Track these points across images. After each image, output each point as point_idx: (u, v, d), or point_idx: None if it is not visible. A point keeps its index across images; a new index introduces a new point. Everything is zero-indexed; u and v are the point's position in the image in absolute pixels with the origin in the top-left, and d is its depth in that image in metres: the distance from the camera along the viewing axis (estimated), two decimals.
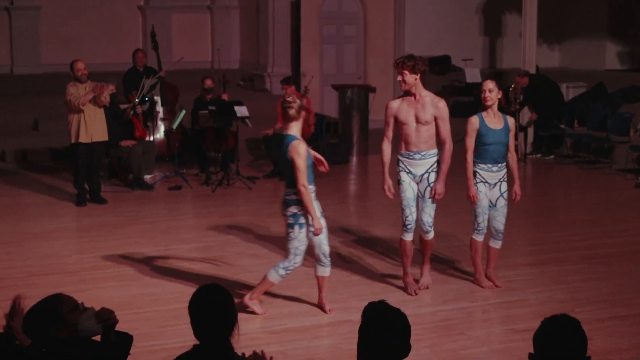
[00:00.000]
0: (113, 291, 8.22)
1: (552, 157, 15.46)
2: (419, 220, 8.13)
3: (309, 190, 7.20)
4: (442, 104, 7.94)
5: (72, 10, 17.71)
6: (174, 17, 18.42)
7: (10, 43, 17.32)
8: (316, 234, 7.35)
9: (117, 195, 12.33)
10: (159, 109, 14.34)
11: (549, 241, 10.12)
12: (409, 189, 8.06)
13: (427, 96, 7.92)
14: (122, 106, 13.22)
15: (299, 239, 7.39)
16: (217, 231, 10.50)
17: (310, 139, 14.06)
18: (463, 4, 19.32)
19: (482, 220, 8.29)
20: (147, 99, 13.67)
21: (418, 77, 7.84)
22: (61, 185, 12.86)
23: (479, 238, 8.37)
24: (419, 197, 8.09)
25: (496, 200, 8.28)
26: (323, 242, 7.54)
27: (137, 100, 13.28)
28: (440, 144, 8.03)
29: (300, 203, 7.27)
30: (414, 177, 8.05)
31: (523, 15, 15.54)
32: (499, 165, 8.20)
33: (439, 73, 17.80)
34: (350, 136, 15.70)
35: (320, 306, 7.79)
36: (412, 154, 8.00)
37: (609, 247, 9.89)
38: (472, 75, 16.62)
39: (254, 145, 15.21)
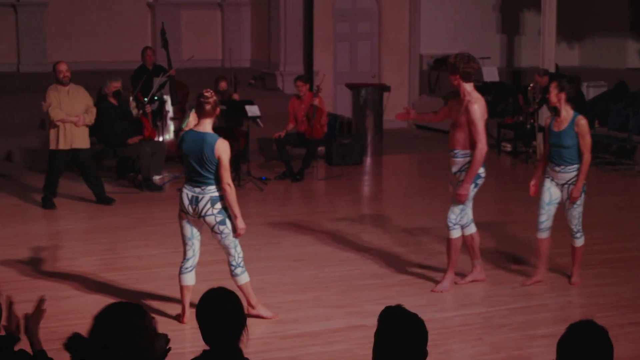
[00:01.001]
0: (120, 295, 8.10)
1: None
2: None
3: (234, 189, 7.31)
4: (475, 107, 7.98)
5: (79, 7, 17.63)
6: (184, 14, 18.33)
7: (16, 40, 17.21)
8: (239, 235, 7.38)
9: (125, 197, 12.23)
10: (169, 108, 14.21)
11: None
12: (450, 185, 8.37)
13: (467, 97, 8.03)
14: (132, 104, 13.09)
15: (233, 231, 7.41)
16: None
17: (323, 139, 13.92)
18: (480, 0, 19.15)
19: (540, 215, 8.39)
20: (156, 98, 13.55)
21: (457, 77, 8.01)
22: (68, 186, 12.69)
23: (540, 235, 8.46)
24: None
25: (565, 202, 8.37)
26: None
27: (146, 99, 13.14)
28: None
29: (223, 198, 7.33)
30: (452, 174, 8.26)
31: (542, 12, 15.42)
32: (562, 167, 8.23)
33: None
34: (364, 136, 15.53)
35: None
36: (450, 150, 8.24)
37: (630, 251, 9.75)
38: (489, 73, 16.44)
39: (265, 145, 15.07)
